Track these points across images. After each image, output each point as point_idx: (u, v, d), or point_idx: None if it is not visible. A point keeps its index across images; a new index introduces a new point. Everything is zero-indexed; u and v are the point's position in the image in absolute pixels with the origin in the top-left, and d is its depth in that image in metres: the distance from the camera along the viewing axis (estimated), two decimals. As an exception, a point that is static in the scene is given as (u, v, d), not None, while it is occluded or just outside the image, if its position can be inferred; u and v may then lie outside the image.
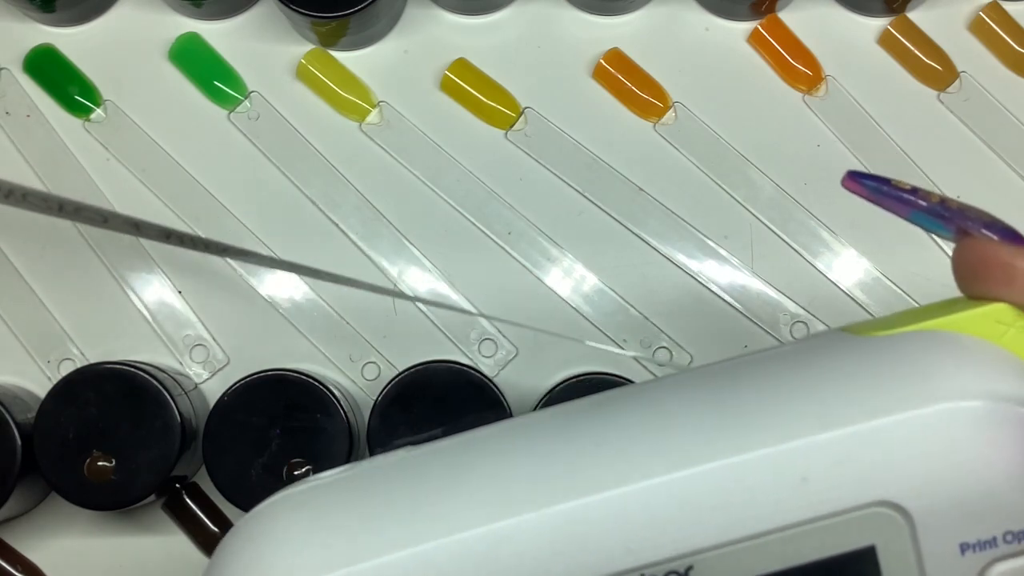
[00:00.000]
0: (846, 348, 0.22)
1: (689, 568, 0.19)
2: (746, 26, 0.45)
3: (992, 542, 0.19)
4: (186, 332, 0.43)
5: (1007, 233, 0.22)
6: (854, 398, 0.20)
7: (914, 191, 0.23)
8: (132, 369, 0.39)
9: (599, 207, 0.44)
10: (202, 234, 0.44)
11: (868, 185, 0.23)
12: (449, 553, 0.19)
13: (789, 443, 0.19)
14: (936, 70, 0.45)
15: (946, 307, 0.22)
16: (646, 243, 0.44)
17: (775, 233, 0.44)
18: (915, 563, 0.19)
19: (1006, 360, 0.21)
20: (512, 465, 0.21)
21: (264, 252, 0.44)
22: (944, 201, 0.23)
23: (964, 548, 0.19)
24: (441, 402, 0.39)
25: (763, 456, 0.19)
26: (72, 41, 0.45)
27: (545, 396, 0.40)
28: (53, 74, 0.45)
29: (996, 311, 0.21)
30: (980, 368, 0.20)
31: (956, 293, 0.45)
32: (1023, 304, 0.21)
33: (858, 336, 0.22)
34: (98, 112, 0.45)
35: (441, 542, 0.19)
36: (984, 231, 0.22)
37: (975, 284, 0.22)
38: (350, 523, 0.20)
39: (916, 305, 0.43)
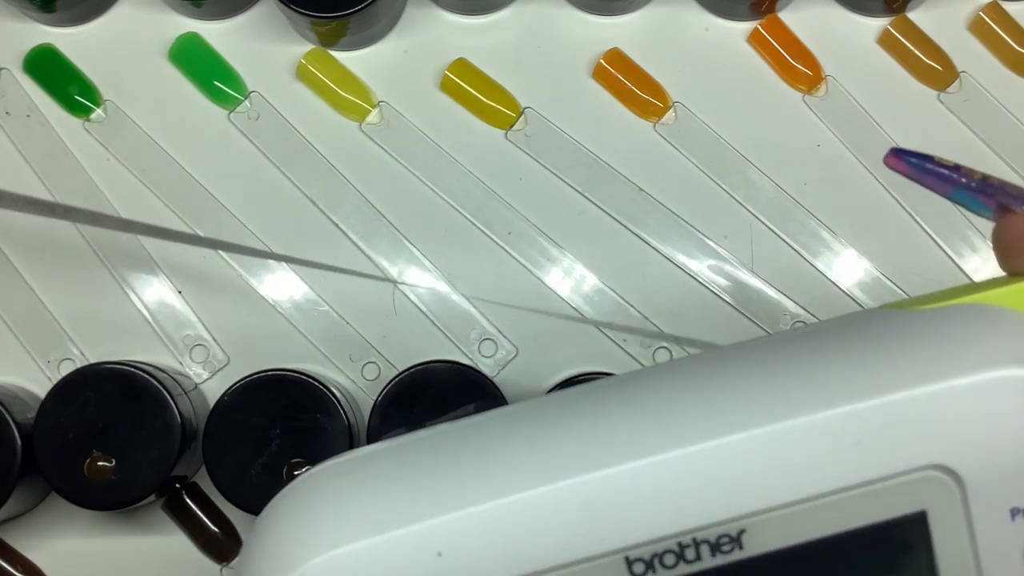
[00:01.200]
0: (893, 320, 0.22)
1: (741, 531, 0.19)
2: (746, 26, 0.45)
3: None
4: (186, 332, 0.43)
5: None
6: (905, 365, 0.20)
7: (956, 168, 0.23)
8: (132, 369, 0.39)
9: (599, 207, 0.44)
10: (202, 234, 0.44)
11: (912, 162, 0.23)
12: (499, 516, 0.19)
13: (843, 407, 0.19)
14: (936, 70, 0.45)
15: (986, 284, 0.23)
16: (646, 243, 0.44)
17: (775, 233, 0.44)
18: (966, 528, 0.19)
19: None
20: (561, 431, 0.21)
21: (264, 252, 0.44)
22: (986, 178, 0.23)
23: (1015, 513, 0.19)
24: (441, 402, 0.39)
25: (817, 420, 0.19)
26: (72, 41, 0.45)
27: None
28: (53, 74, 0.45)
29: None
30: None
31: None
32: None
33: (902, 310, 0.22)
34: (98, 112, 0.45)
35: (489, 505, 0.19)
36: None
37: (1017, 259, 0.22)
38: (396, 488, 0.20)
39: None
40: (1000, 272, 0.23)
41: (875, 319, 0.22)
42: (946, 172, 0.23)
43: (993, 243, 0.23)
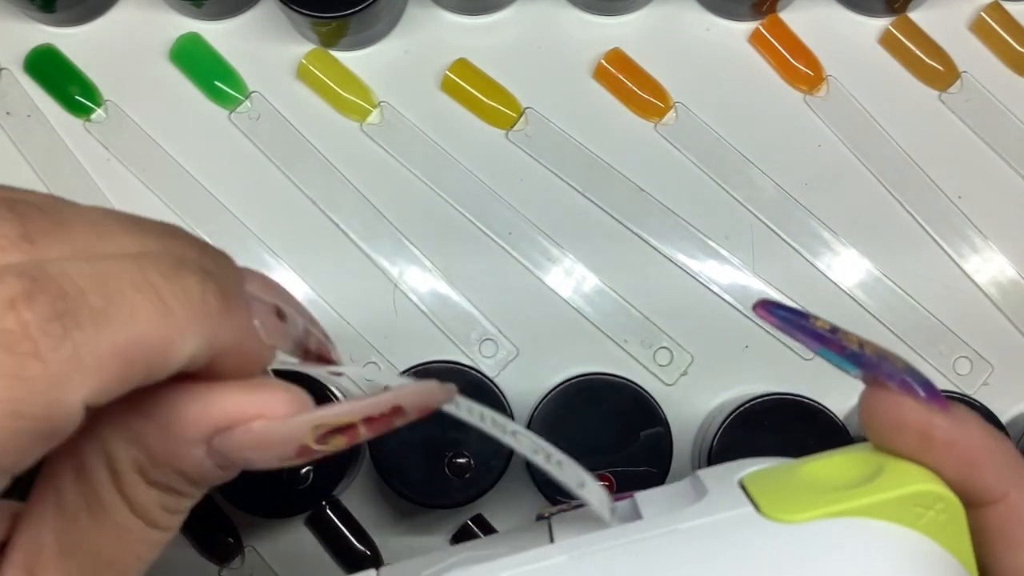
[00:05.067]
0: (761, 545, 0.19)
1: None
2: (747, 26, 0.45)
3: None
4: (186, 332, 0.43)
5: (926, 388, 0.20)
6: None
7: (834, 331, 0.20)
8: (132, 369, 0.38)
9: (600, 207, 0.44)
10: (202, 233, 0.44)
11: (781, 315, 0.21)
12: None
13: None
14: (937, 70, 0.45)
15: (863, 466, 0.21)
16: (647, 243, 0.44)
17: (776, 233, 0.44)
18: None
19: (926, 554, 0.19)
20: None
21: (264, 251, 0.44)
22: (863, 345, 0.20)
23: None
24: (441, 402, 0.39)
25: None
26: (73, 41, 0.45)
27: (546, 396, 0.40)
28: (54, 74, 0.45)
29: (916, 495, 0.20)
30: None
31: (956, 296, 0.45)
32: (934, 468, 0.20)
33: (770, 521, 0.20)
34: (98, 112, 0.45)
35: None
36: (905, 379, 0.20)
37: (887, 440, 0.20)
38: None
39: (915, 306, 0.43)
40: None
41: (741, 546, 0.20)
42: (823, 334, 0.21)
43: (860, 415, 0.21)
